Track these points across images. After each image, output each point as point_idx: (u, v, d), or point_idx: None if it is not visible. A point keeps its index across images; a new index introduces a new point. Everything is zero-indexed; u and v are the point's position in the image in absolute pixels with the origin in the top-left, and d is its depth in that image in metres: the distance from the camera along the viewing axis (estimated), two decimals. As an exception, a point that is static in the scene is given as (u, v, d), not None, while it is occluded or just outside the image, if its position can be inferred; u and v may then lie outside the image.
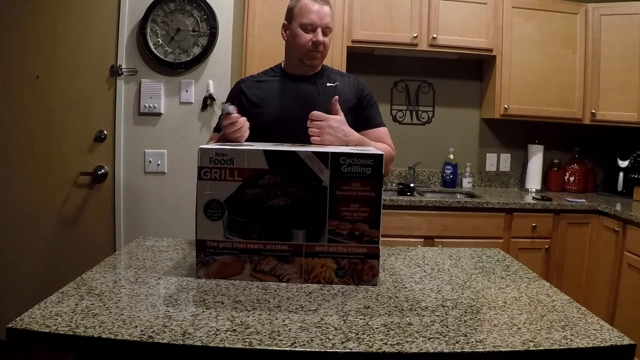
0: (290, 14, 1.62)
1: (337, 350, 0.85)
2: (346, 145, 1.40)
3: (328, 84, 1.65)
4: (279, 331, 0.91)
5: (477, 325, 0.98)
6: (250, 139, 1.44)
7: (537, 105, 3.01)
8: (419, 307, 1.07)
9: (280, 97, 1.62)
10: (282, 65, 1.70)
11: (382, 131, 1.69)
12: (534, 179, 3.20)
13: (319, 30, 1.57)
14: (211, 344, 0.85)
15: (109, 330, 0.89)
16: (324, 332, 0.91)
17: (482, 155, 3.38)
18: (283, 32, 1.66)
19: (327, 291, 1.14)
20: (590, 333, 0.95)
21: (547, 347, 0.89)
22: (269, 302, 1.06)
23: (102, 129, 2.51)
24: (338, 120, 1.42)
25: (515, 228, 2.74)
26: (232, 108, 1.40)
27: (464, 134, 3.36)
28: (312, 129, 1.39)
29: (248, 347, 0.85)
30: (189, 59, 2.48)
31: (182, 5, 2.46)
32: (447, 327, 0.96)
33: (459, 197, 3.10)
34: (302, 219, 1.16)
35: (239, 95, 1.65)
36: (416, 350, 0.86)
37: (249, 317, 0.97)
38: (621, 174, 3.12)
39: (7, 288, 2.55)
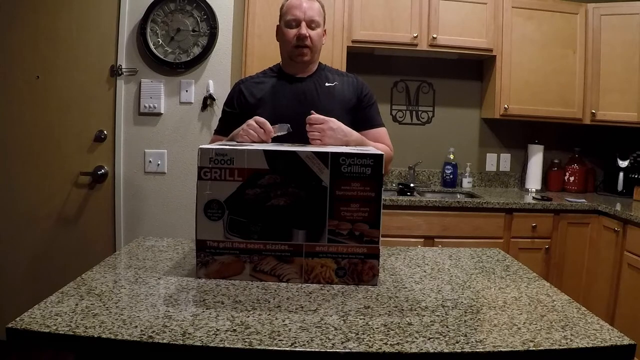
0: (280, 15, 1.64)
1: (337, 350, 0.85)
2: (346, 145, 1.40)
3: (327, 84, 1.65)
4: (279, 331, 0.91)
5: (477, 325, 0.98)
6: None
7: (537, 105, 3.01)
8: (419, 307, 1.07)
9: (278, 97, 1.62)
10: (280, 65, 1.71)
11: (381, 131, 1.69)
12: (534, 179, 3.20)
13: (303, 24, 1.57)
14: (211, 344, 0.85)
15: (109, 330, 0.89)
16: (324, 332, 0.91)
17: (482, 155, 3.38)
18: (276, 34, 1.67)
19: (327, 291, 1.14)
20: (590, 333, 0.95)
21: (547, 347, 0.89)
22: (269, 302, 1.06)
23: (102, 129, 2.51)
24: (337, 122, 1.42)
25: (515, 228, 2.74)
26: (286, 129, 1.41)
27: (464, 134, 3.36)
28: (313, 133, 1.38)
29: (248, 347, 0.85)
30: (189, 59, 2.48)
31: (182, 5, 2.46)
32: (447, 327, 0.96)
33: (459, 197, 3.10)
34: (302, 219, 1.16)
35: (238, 96, 1.66)
36: (416, 350, 0.86)
37: (249, 317, 0.97)
38: (621, 174, 3.12)
39: (7, 288, 2.55)
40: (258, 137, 1.37)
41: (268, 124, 1.39)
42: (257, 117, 1.40)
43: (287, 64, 1.66)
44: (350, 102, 1.64)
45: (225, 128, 1.64)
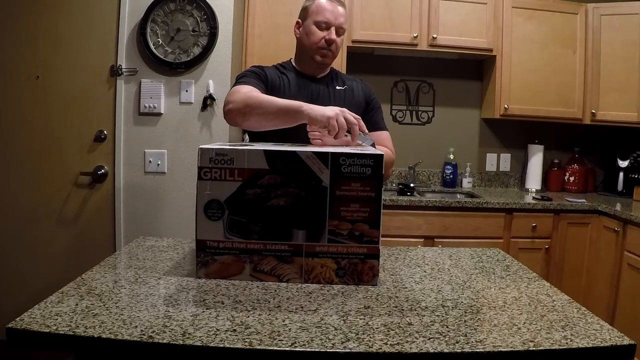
0: (305, 12, 1.62)
1: (337, 350, 0.85)
2: (347, 146, 1.40)
3: (337, 87, 1.67)
4: (279, 331, 0.91)
5: (477, 325, 0.98)
6: (257, 131, 1.46)
7: (537, 105, 3.01)
8: (419, 307, 1.07)
9: (293, 93, 1.61)
10: (293, 63, 1.70)
11: (384, 135, 1.70)
12: (534, 179, 3.20)
13: (333, 29, 1.57)
14: (211, 344, 0.85)
15: (109, 330, 0.89)
16: (324, 332, 0.91)
17: (482, 155, 3.38)
18: (296, 30, 1.66)
19: (327, 291, 1.14)
20: (590, 333, 0.95)
21: (547, 347, 0.89)
22: (269, 302, 1.06)
23: (102, 129, 2.51)
24: None
25: (515, 228, 2.74)
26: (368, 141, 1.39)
27: (464, 134, 3.36)
28: (313, 133, 1.39)
29: (248, 347, 0.85)
30: (189, 59, 2.48)
31: (182, 5, 2.46)
32: (447, 327, 0.96)
33: (459, 197, 3.10)
34: (302, 219, 1.16)
35: (265, 75, 1.60)
36: (416, 350, 0.86)
37: (249, 317, 0.97)
38: (621, 174, 3.12)
39: (7, 288, 2.55)
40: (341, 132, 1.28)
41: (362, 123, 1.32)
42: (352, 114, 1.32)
43: (304, 62, 1.65)
44: (361, 107, 1.65)
45: (256, 81, 1.54)
